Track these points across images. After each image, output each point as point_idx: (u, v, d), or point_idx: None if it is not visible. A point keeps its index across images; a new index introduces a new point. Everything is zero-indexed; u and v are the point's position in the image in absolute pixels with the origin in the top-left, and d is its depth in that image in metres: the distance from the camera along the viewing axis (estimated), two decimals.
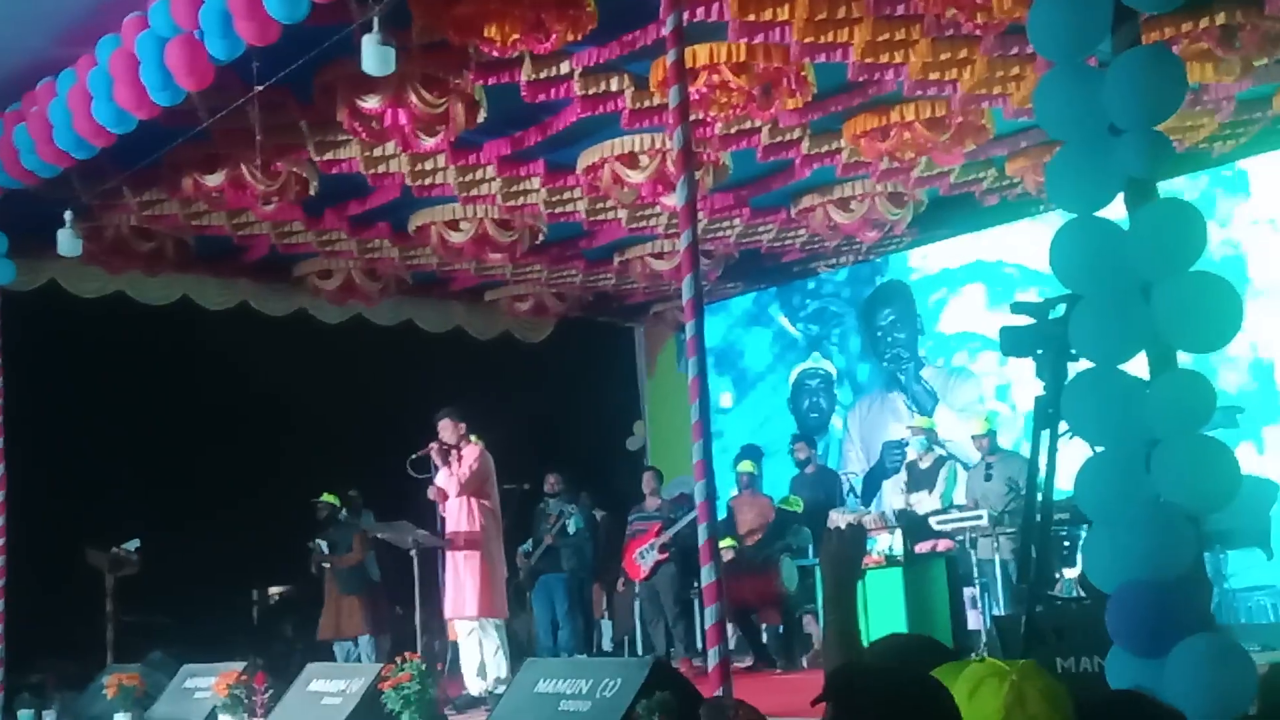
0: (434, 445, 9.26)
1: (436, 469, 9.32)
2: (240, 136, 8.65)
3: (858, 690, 2.45)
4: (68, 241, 9.69)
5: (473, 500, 9.19)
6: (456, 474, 9.21)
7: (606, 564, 12.68)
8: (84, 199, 9.73)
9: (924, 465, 11.24)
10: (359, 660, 11.50)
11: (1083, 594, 7.19)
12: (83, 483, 11.34)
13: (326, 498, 12.42)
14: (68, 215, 9.67)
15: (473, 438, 9.41)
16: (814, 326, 14.24)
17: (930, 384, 12.88)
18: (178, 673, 9.16)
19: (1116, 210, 4.25)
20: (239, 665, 8.38)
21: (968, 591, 10.07)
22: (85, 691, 9.66)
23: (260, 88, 7.62)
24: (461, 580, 9.11)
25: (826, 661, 3.28)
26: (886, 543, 9.65)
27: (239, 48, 7.07)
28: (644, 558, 11.53)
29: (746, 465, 12.39)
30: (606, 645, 13.12)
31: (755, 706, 3.42)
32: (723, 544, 10.69)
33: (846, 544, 3.47)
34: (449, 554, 9.24)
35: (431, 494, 9.43)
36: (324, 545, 12.15)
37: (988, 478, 10.30)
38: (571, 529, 12.13)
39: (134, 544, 11.29)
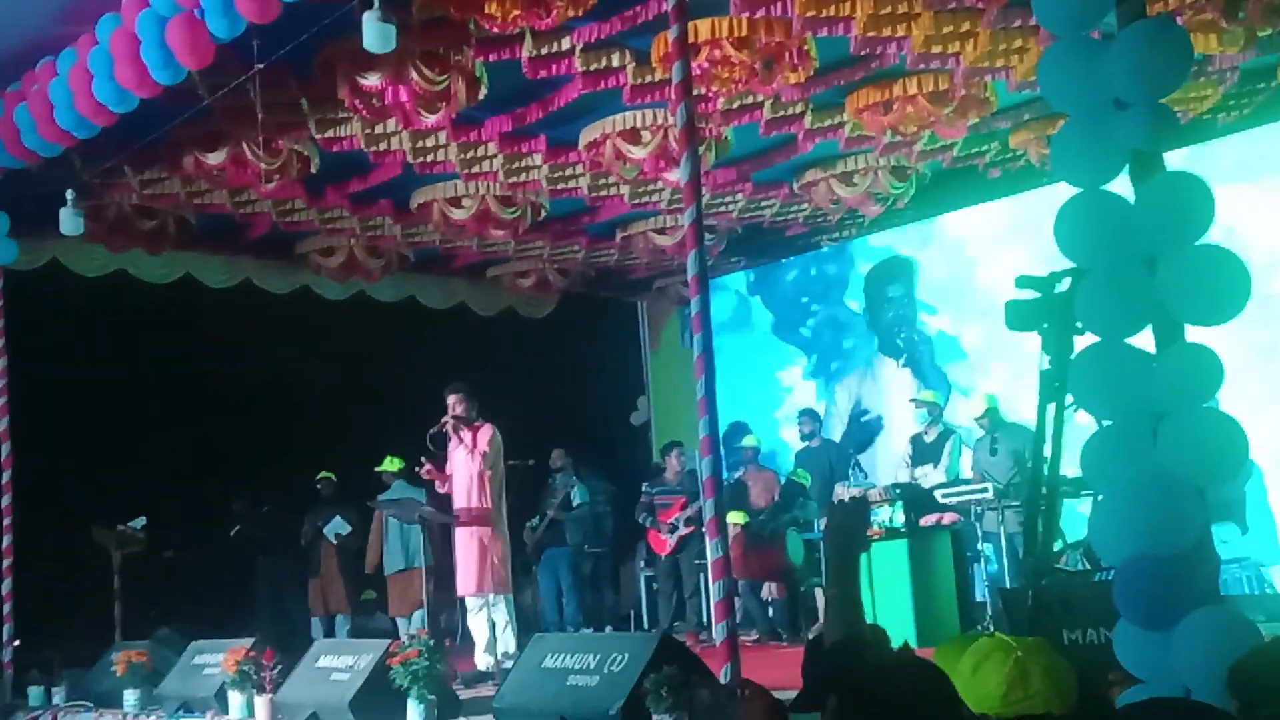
0: (448, 420, 9.25)
1: (447, 440, 9.32)
2: (241, 114, 8.62)
3: (864, 681, 2.45)
4: (70, 220, 9.68)
5: (482, 476, 9.20)
6: (476, 450, 9.20)
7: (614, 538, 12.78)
8: (85, 178, 9.70)
9: (929, 439, 11.25)
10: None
11: (1089, 566, 7.20)
12: (88, 461, 11.36)
13: (325, 475, 12.56)
14: (69, 194, 9.67)
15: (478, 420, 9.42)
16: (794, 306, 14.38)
17: (939, 363, 12.88)
18: (186, 649, 9.18)
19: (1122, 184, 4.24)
20: (247, 641, 8.40)
21: (973, 565, 10.11)
22: (94, 669, 9.70)
23: (261, 66, 7.59)
24: (469, 557, 9.13)
25: (828, 633, 3.30)
26: (887, 514, 9.68)
27: (240, 26, 7.05)
28: (671, 531, 11.59)
29: (750, 439, 12.42)
30: (612, 620, 13.17)
31: (761, 684, 3.44)
32: (734, 517, 10.85)
33: (850, 517, 3.49)
34: (458, 530, 9.26)
35: (426, 473, 9.45)
36: (343, 525, 12.32)
37: (993, 452, 10.31)
38: (575, 501, 12.19)
39: (140, 521, 11.32)
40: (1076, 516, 8.17)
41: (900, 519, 9.57)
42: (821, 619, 10.24)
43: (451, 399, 9.30)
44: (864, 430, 13.49)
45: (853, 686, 2.37)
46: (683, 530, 11.49)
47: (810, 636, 5.75)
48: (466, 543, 9.20)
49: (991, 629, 8.45)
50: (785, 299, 14.58)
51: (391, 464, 11.76)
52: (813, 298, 14.31)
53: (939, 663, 2.89)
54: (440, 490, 9.50)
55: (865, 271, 13.67)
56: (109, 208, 10.85)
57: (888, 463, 12.66)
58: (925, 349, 12.99)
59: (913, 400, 12.05)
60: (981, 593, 10.25)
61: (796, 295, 14.45)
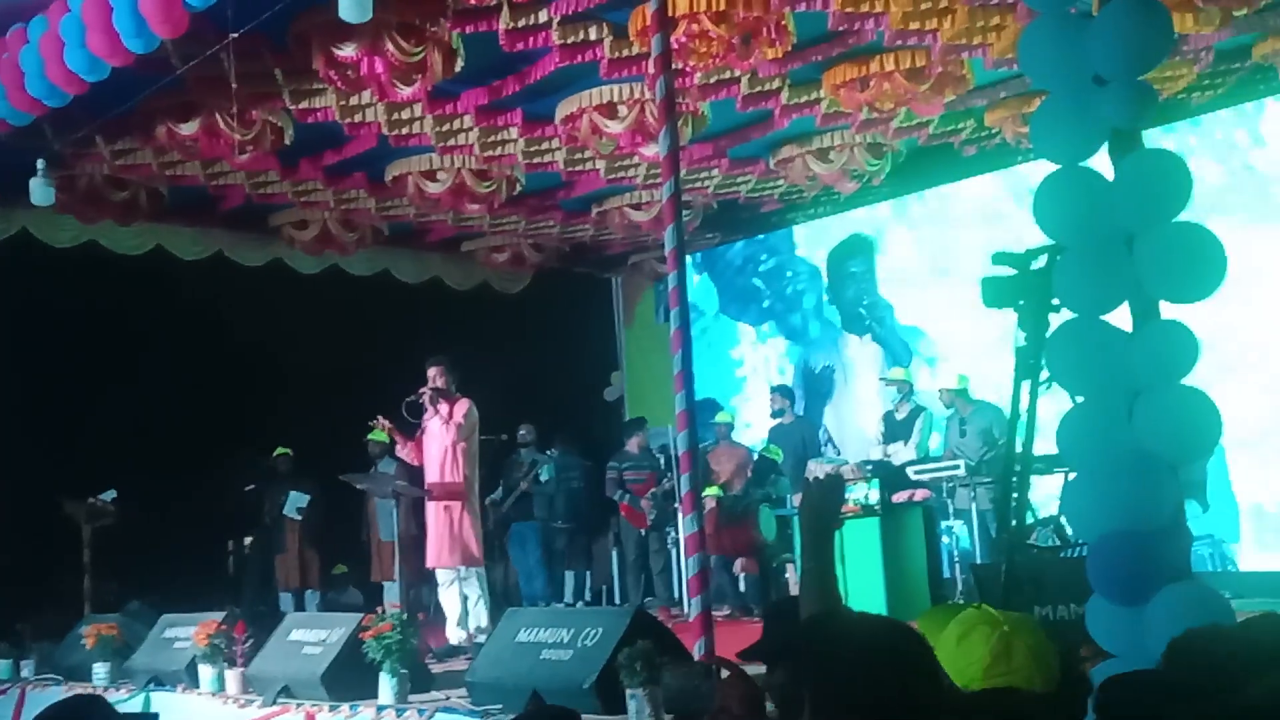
0: (426, 391, 9.22)
1: (424, 410, 9.28)
2: (215, 85, 8.54)
3: (832, 640, 2.43)
4: (40, 190, 9.58)
5: (455, 450, 9.18)
6: (451, 422, 9.17)
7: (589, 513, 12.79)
8: (57, 147, 9.61)
9: (900, 416, 11.30)
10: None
11: (1059, 542, 7.26)
12: (58, 433, 11.29)
13: (281, 451, 12.58)
14: (40, 164, 9.56)
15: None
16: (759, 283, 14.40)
17: (903, 337, 12.96)
18: (157, 623, 9.14)
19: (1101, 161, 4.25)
20: (218, 615, 8.37)
21: (944, 541, 10.17)
22: (63, 642, 9.65)
23: (235, 35, 7.51)
24: (442, 530, 9.11)
25: (803, 609, 3.30)
26: (863, 492, 9.72)
27: None
28: (655, 509, 11.57)
29: (724, 415, 12.44)
30: (585, 595, 13.20)
31: (739, 664, 3.44)
32: (707, 492, 10.86)
33: (825, 493, 3.48)
34: (429, 505, 9.24)
35: (404, 453, 9.43)
36: (301, 499, 12.35)
37: (962, 433, 10.38)
38: (543, 477, 12.19)
39: (110, 494, 11.27)
40: (1044, 493, 8.22)
41: (875, 497, 9.61)
42: (793, 593, 10.32)
43: (432, 371, 9.27)
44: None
45: (830, 643, 2.35)
46: (663, 504, 11.47)
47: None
48: (439, 516, 9.17)
49: (981, 603, 8.51)
50: (736, 277, 14.63)
51: (380, 435, 11.81)
52: (768, 275, 14.36)
53: (924, 628, 2.90)
54: (411, 462, 9.47)
55: (829, 248, 13.72)
56: (80, 178, 10.74)
57: (859, 439, 12.72)
58: (889, 324, 13.04)
59: (882, 379, 12.12)
60: (950, 569, 10.32)
61: (747, 274, 14.50)
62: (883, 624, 2.60)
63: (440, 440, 9.21)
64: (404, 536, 9.53)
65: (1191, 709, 1.92)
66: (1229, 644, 2.76)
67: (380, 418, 9.28)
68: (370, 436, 11.93)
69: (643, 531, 11.87)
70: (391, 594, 11.45)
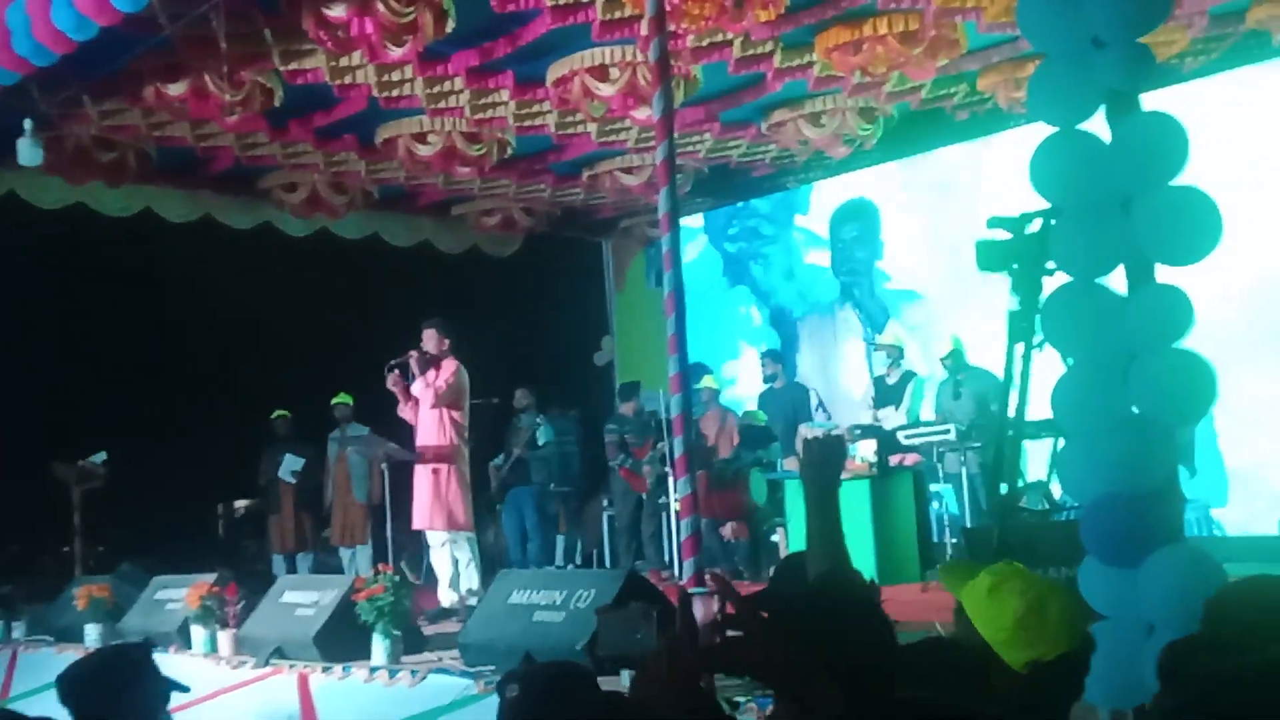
0: (414, 354, 9.18)
1: (413, 378, 9.24)
2: (203, 45, 8.48)
3: (787, 604, 2.44)
4: (28, 151, 9.53)
5: (444, 414, 9.16)
6: (433, 385, 9.14)
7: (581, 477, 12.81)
8: (44, 108, 9.54)
9: (891, 381, 11.31)
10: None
11: (1048, 506, 7.29)
12: (47, 396, 11.27)
13: (280, 413, 12.58)
14: (27, 124, 9.51)
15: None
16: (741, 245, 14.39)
17: (883, 300, 12.95)
18: (148, 584, 9.15)
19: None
20: (210, 577, 8.38)
21: (933, 505, 10.20)
22: (55, 603, 9.65)
23: None
24: (430, 493, 9.11)
25: (811, 567, 3.31)
26: (867, 449, 9.75)
27: None
28: (657, 479, 11.54)
29: (708, 381, 12.43)
30: (575, 558, 13.24)
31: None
32: None
33: (828, 451, 3.49)
34: (418, 467, 9.23)
35: (404, 413, 9.40)
36: (296, 462, 12.37)
37: (956, 395, 10.37)
38: (540, 440, 12.19)
39: (100, 457, 11.25)
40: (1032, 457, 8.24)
41: (874, 458, 9.65)
42: (783, 557, 10.35)
43: (425, 333, 9.23)
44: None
45: (785, 605, 2.37)
46: (661, 468, 11.45)
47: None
48: (426, 479, 9.17)
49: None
50: (736, 242, 14.60)
51: (345, 398, 11.87)
52: (765, 240, 14.33)
53: (945, 580, 2.89)
54: (401, 414, 9.43)
55: (825, 213, 13.68)
56: (68, 139, 10.65)
57: (849, 404, 12.73)
58: (877, 292, 13.03)
59: (873, 345, 12.11)
60: (939, 533, 10.35)
61: (738, 239, 14.47)
62: (849, 597, 2.60)
63: (427, 402, 9.19)
64: (378, 499, 9.56)
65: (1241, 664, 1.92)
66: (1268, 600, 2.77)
67: (391, 371, 9.21)
68: (335, 400, 11.96)
69: (643, 495, 11.87)
70: (364, 557, 11.67)
